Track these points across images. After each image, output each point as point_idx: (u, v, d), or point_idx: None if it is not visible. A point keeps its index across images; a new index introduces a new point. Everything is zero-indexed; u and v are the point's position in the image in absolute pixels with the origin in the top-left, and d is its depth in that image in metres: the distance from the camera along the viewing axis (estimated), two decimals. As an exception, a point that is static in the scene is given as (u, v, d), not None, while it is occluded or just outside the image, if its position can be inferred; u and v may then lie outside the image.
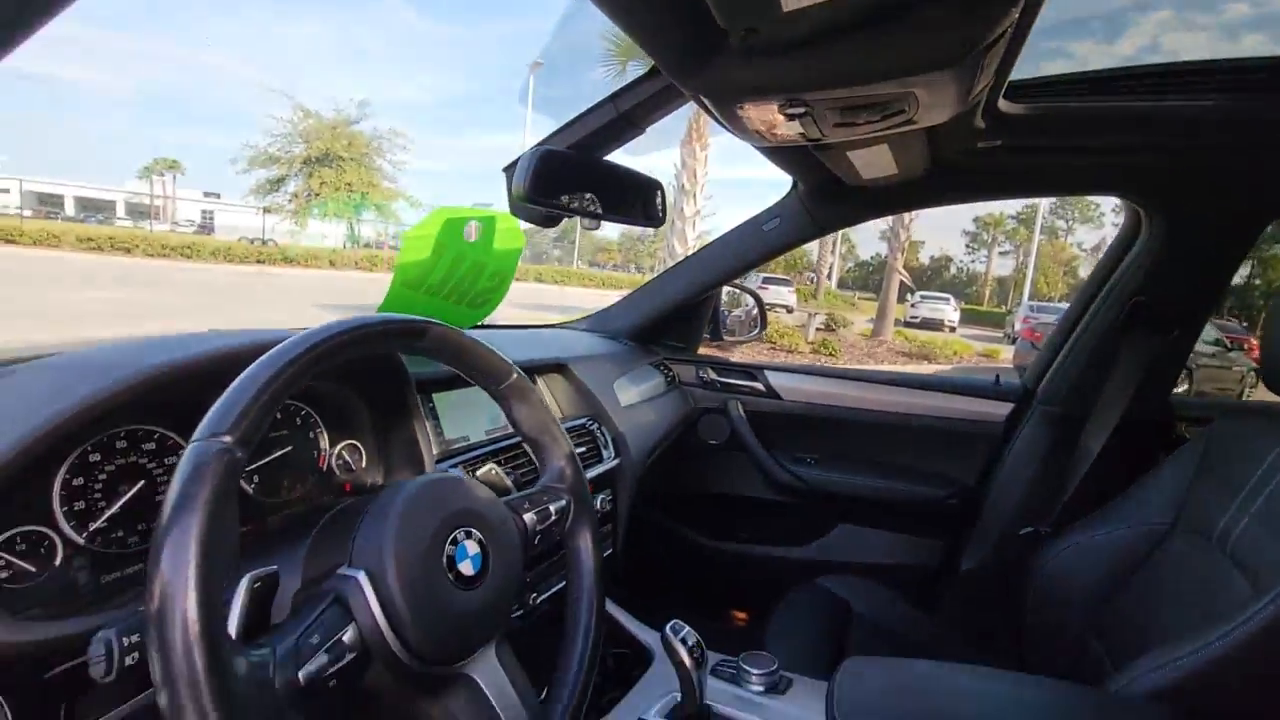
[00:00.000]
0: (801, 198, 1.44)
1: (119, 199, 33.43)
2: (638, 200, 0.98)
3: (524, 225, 1.09)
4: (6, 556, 0.50)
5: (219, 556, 0.38)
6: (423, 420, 0.83)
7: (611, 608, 1.13)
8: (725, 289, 1.87)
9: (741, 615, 1.80)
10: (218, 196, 34.66)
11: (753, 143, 1.00)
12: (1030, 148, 1.18)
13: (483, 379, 0.65)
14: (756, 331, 1.98)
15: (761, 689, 0.95)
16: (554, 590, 1.01)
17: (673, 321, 1.73)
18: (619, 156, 1.07)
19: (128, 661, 0.39)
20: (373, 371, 0.77)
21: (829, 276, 29.11)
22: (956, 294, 29.76)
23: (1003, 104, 1.03)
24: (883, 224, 15.89)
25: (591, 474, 1.11)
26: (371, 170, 19.67)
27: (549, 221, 0.92)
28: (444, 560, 0.52)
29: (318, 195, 18.54)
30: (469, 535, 0.55)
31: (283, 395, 0.44)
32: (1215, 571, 0.99)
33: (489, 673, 0.55)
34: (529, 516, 0.64)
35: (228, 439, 0.40)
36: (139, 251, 15.22)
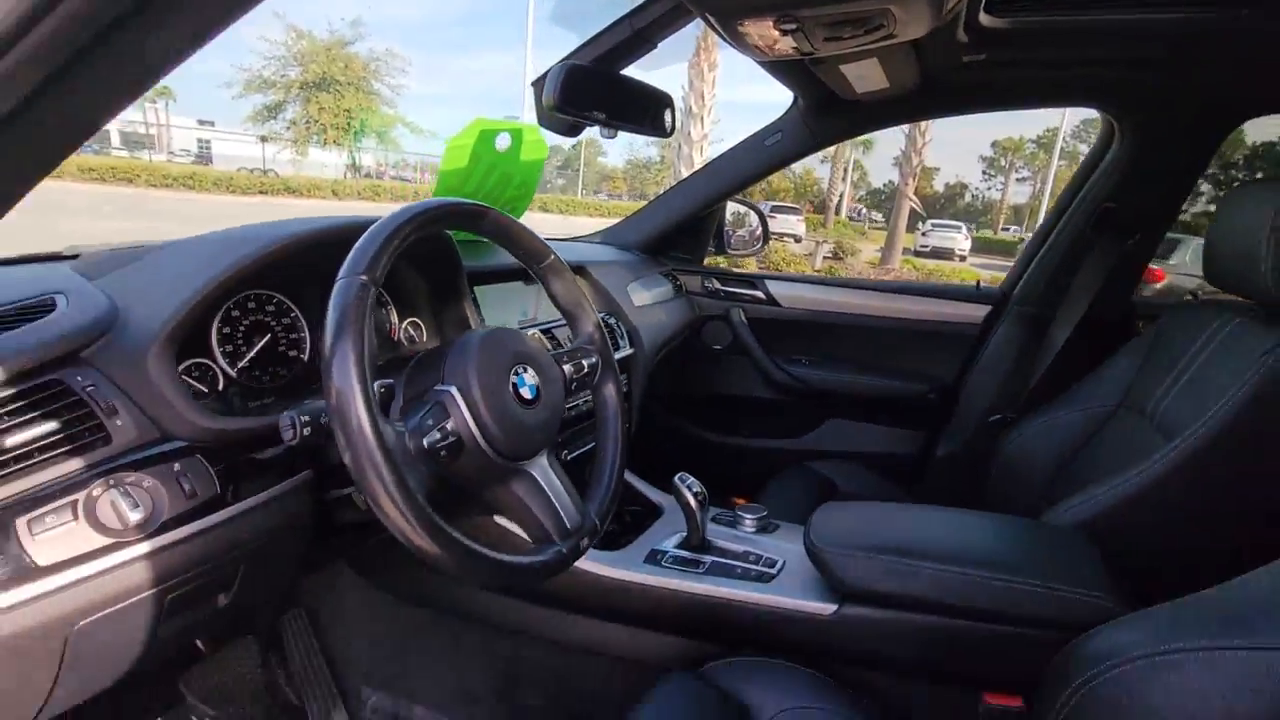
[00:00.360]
0: (801, 113, 1.54)
1: (112, 127, 32.67)
2: (650, 112, 1.10)
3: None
4: (188, 380, 0.67)
5: (367, 359, 0.55)
6: (472, 303, 0.99)
7: (627, 475, 1.33)
8: (730, 209, 1.99)
9: (740, 501, 2.02)
10: (212, 124, 33.84)
11: (754, 58, 1.10)
12: (1013, 61, 1.27)
13: (527, 258, 0.81)
14: (759, 246, 2.11)
15: (753, 529, 1.16)
16: (581, 450, 1.20)
17: (680, 235, 1.86)
18: (632, 71, 1.18)
19: (305, 432, 0.57)
20: (434, 257, 0.92)
21: (839, 205, 28.57)
22: (971, 222, 29.16)
23: (984, 18, 1.12)
24: (896, 150, 15.49)
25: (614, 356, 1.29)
26: (370, 95, 19.12)
27: (573, 130, 1.04)
28: (510, 386, 0.69)
29: (317, 122, 18.14)
30: (526, 370, 0.72)
31: (399, 249, 0.60)
32: (1143, 439, 1.16)
33: (543, 472, 0.73)
34: (567, 367, 0.81)
35: (364, 277, 0.56)
36: (141, 181, 15.14)
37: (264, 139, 19.52)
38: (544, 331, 1.16)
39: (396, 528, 0.54)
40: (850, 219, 28.75)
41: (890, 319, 1.79)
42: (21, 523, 0.50)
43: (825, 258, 12.60)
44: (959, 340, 1.72)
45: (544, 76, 0.96)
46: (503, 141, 1.16)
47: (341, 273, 0.57)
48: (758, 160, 1.65)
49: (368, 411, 0.53)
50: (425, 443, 0.59)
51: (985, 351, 1.66)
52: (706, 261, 2.00)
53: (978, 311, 1.70)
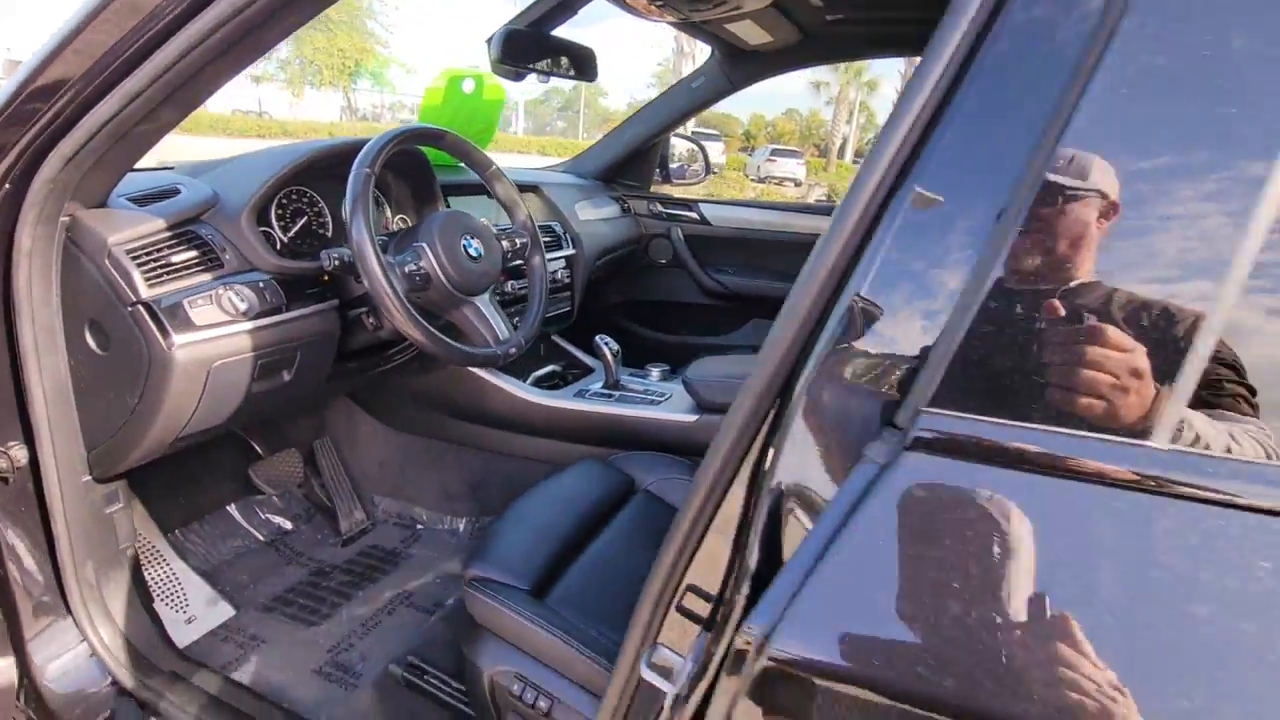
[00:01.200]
0: (719, 61, 1.88)
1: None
2: (577, 62, 1.46)
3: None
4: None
5: (370, 219, 0.95)
6: (443, 203, 1.38)
7: (566, 343, 1.75)
8: (684, 146, 2.36)
9: None
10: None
11: (659, 22, 1.46)
12: (866, 19, 1.61)
13: (476, 167, 1.20)
14: (703, 176, 2.48)
15: (658, 378, 1.58)
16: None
17: (630, 165, 2.23)
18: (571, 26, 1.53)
19: (336, 264, 0.98)
20: (413, 168, 1.31)
21: (842, 148, 28.28)
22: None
23: None
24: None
25: (557, 253, 1.69)
26: (364, 34, 18.84)
27: (518, 78, 1.41)
28: (461, 246, 1.09)
29: (311, 62, 17.97)
30: (473, 239, 1.12)
31: (388, 154, 0.99)
32: None
33: (485, 305, 1.14)
34: (505, 243, 1.21)
35: (368, 169, 0.96)
36: (140, 124, 15.14)
37: (257, 79, 19.32)
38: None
39: (392, 315, 0.96)
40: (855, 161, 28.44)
41: (803, 234, 2.17)
42: (186, 302, 0.91)
43: (819, 200, 12.77)
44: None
45: (492, 37, 1.32)
46: (468, 86, 1.53)
47: (353, 167, 0.96)
48: (686, 101, 2.00)
49: (373, 249, 0.94)
50: (406, 270, 1.00)
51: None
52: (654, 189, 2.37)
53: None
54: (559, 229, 1.75)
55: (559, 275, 1.70)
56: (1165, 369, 0.33)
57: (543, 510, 1.15)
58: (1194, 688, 0.31)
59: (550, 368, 1.67)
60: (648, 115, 2.10)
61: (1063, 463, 0.35)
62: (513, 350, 1.15)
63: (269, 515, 1.56)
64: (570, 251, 1.75)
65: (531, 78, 1.48)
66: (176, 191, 1.01)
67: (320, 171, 1.13)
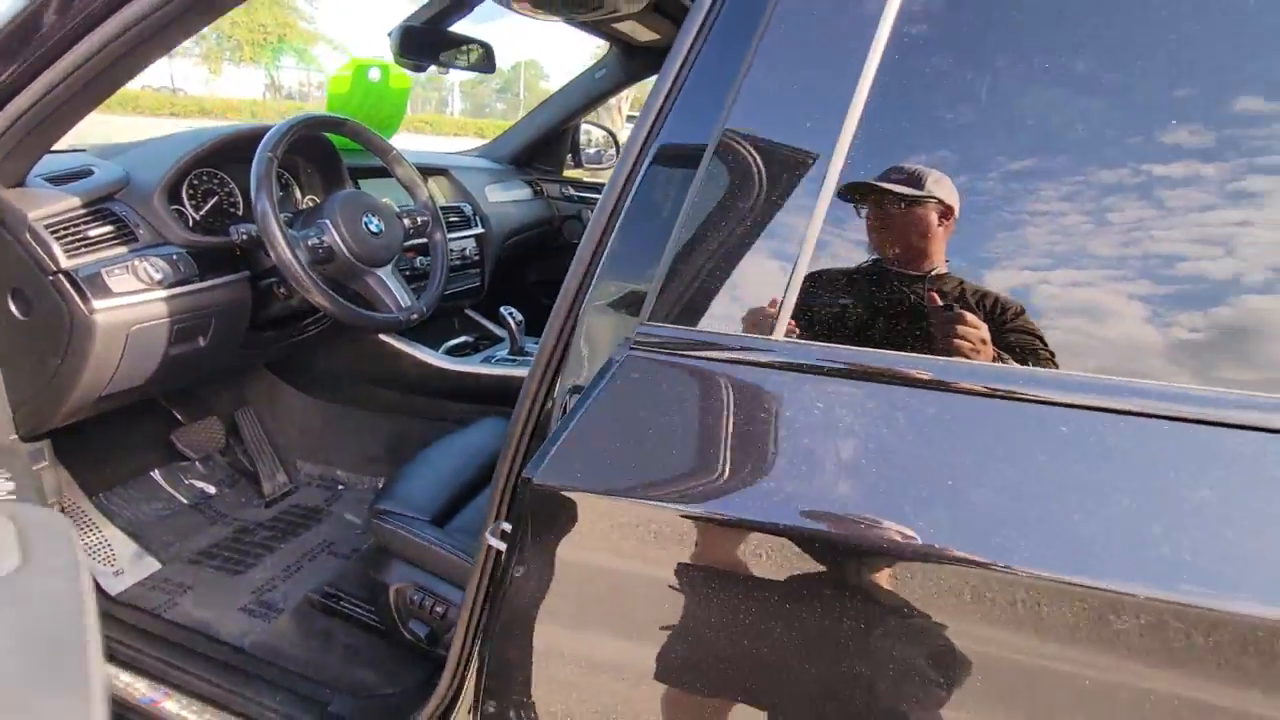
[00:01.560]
0: (617, 54, 2.05)
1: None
2: (475, 55, 1.60)
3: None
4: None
5: (274, 200, 1.08)
6: (352, 185, 1.51)
7: (479, 316, 1.90)
8: (598, 134, 2.51)
9: None
10: (110, 36, 30.77)
11: (546, 21, 1.61)
12: None
13: (377, 152, 1.33)
14: (614, 161, 2.64)
15: (558, 345, 1.75)
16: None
17: (542, 150, 2.37)
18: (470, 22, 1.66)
19: (244, 238, 1.10)
20: (320, 152, 1.42)
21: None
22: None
23: None
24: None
25: (466, 232, 1.83)
26: (286, 8, 17.99)
27: (419, 69, 1.53)
28: (363, 223, 1.23)
29: (230, 37, 17.06)
30: (374, 215, 1.25)
31: (291, 139, 1.11)
32: None
33: (388, 275, 1.28)
34: (406, 220, 1.35)
35: (270, 153, 1.08)
36: (37, 100, 14.08)
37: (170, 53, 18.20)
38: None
39: (297, 282, 1.09)
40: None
41: None
42: (104, 271, 1.02)
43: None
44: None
45: (392, 31, 1.45)
46: (374, 74, 1.64)
47: (257, 151, 1.08)
48: (590, 90, 2.16)
49: (277, 223, 1.07)
50: (309, 243, 1.14)
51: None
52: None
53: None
54: (468, 210, 1.89)
55: (469, 253, 1.84)
56: (779, 284, 0.53)
57: (447, 457, 1.31)
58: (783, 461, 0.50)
59: (463, 338, 1.82)
60: (556, 103, 2.25)
61: (728, 354, 0.54)
62: (414, 316, 1.30)
63: (192, 480, 1.65)
64: (479, 231, 1.89)
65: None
66: (90, 172, 1.11)
67: (230, 154, 1.24)
